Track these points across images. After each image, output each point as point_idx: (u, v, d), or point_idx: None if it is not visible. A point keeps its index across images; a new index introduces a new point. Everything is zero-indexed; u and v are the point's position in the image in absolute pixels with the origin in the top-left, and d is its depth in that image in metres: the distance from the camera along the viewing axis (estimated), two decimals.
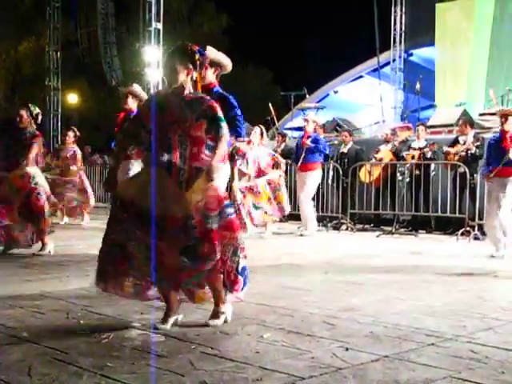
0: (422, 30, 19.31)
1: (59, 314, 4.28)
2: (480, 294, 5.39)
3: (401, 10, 19.89)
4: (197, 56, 4.12)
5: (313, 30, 29.22)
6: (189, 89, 4.08)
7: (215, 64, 5.11)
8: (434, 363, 3.23)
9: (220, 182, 4.17)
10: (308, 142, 10.38)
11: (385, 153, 11.65)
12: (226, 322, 4.06)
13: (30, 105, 7.86)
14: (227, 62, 5.17)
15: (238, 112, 5.08)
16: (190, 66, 4.07)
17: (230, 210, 3.97)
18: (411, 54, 21.27)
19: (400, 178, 11.34)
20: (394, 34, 20.19)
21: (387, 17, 20.10)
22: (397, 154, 11.61)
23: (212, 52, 5.07)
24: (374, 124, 16.66)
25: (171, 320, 3.99)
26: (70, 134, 12.16)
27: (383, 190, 11.40)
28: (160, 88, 17.12)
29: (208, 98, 4.11)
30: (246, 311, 4.47)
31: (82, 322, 4.05)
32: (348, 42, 25.65)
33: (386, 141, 11.99)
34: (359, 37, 22.90)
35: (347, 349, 3.48)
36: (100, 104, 29.83)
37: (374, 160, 11.74)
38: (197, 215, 3.82)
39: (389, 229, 10.99)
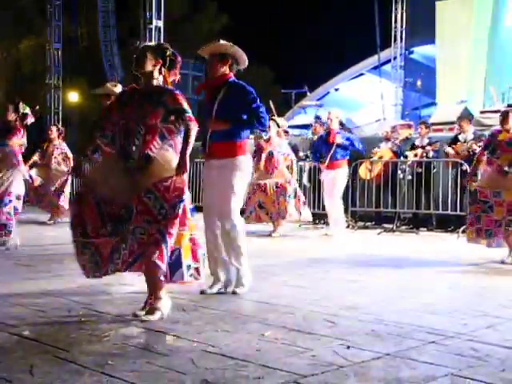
0: (423, 27, 19.29)
1: (60, 312, 4.28)
2: (481, 292, 5.39)
3: (401, 8, 19.86)
4: (168, 52, 4.33)
5: (313, 27, 29.20)
6: (156, 81, 4.30)
7: (229, 56, 5.02)
8: (435, 361, 3.23)
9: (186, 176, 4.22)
10: (340, 138, 9.79)
11: (384, 151, 11.64)
12: (162, 317, 4.09)
13: (20, 103, 7.95)
14: (241, 54, 5.06)
15: (259, 101, 4.96)
16: (160, 58, 4.29)
17: (181, 205, 4.08)
18: (412, 52, 21.24)
19: (401, 175, 11.32)
20: (395, 32, 20.16)
21: (388, 14, 20.08)
22: (397, 152, 11.60)
23: (225, 45, 5.02)
24: (375, 122, 16.65)
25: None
26: (53, 128, 12.04)
27: (384, 188, 11.39)
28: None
29: (172, 89, 4.30)
30: (247, 309, 4.47)
31: (83, 320, 4.05)
32: (349, 40, 25.63)
33: (386, 138, 11.97)
34: (360, 34, 22.88)
35: (348, 347, 3.48)
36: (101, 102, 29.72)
37: (374, 158, 11.72)
38: (148, 195, 4.02)
39: (390, 226, 10.98)
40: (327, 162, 9.85)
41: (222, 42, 5.06)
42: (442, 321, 4.17)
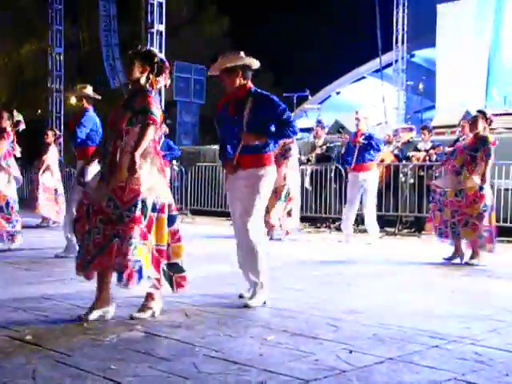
0: (424, 30, 19.29)
1: (62, 316, 4.28)
2: (484, 296, 5.39)
3: (403, 11, 19.87)
4: (156, 59, 4.41)
5: (315, 31, 29.23)
6: (142, 86, 4.37)
7: (238, 67, 4.94)
8: (438, 365, 3.23)
9: (144, 174, 4.21)
10: (360, 139, 9.46)
11: (386, 154, 11.63)
12: (153, 315, 4.25)
13: (14, 111, 8.40)
14: (249, 59, 5.01)
15: (287, 110, 4.91)
16: (147, 65, 4.38)
17: (139, 206, 4.13)
18: (413, 55, 21.25)
19: (403, 179, 11.31)
20: (396, 35, 20.17)
21: (389, 18, 20.09)
22: (399, 156, 11.59)
23: (230, 58, 4.97)
24: (377, 125, 16.61)
25: (95, 312, 4.20)
26: (49, 133, 12.10)
27: (386, 191, 11.38)
28: (162, 90, 17.15)
29: (145, 90, 4.36)
30: (249, 313, 4.46)
31: (85, 324, 4.04)
32: (350, 43, 25.63)
33: (388, 142, 11.97)
34: (361, 38, 22.87)
35: (351, 351, 3.47)
36: (102, 106, 29.79)
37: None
38: (109, 202, 4.12)
39: (392, 230, 10.97)
40: (353, 164, 9.50)
41: (226, 56, 5.01)
42: (445, 325, 4.16)
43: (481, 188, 7.31)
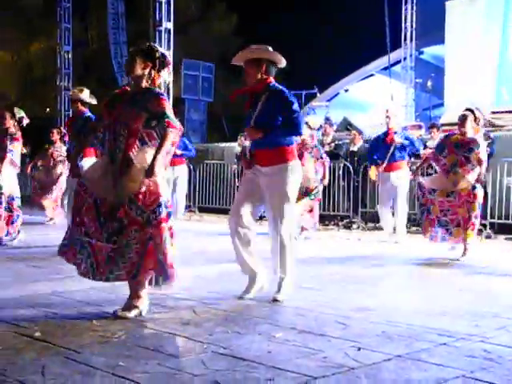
0: (433, 27, 19.21)
1: (71, 313, 4.29)
2: (492, 293, 5.37)
3: (411, 8, 19.79)
4: (157, 54, 4.41)
5: (323, 28, 29.17)
6: (145, 83, 4.36)
7: (264, 60, 4.87)
8: (446, 363, 3.22)
9: (161, 178, 4.23)
10: (398, 138, 9.16)
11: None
12: (140, 315, 4.22)
13: (15, 108, 8.49)
14: (276, 55, 4.92)
15: (297, 108, 4.85)
16: (149, 61, 4.37)
17: (163, 210, 4.16)
18: (422, 52, 21.17)
19: (411, 176, 11.26)
20: (405, 32, 20.09)
21: (397, 15, 20.02)
22: None
23: (258, 50, 4.91)
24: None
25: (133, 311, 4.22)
26: (55, 131, 12.15)
27: None
28: (170, 88, 17.16)
29: (158, 92, 4.34)
30: (258, 310, 4.47)
31: (94, 321, 4.06)
32: (359, 41, 25.56)
33: None
34: (370, 35, 22.77)
35: (359, 348, 3.47)
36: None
37: None
38: (130, 206, 4.13)
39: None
40: (385, 163, 9.31)
41: (254, 46, 4.95)
42: (453, 322, 4.16)
43: (473, 187, 7.37)
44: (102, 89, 30.03)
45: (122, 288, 4.44)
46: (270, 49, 4.92)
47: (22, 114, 8.41)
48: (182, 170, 11.49)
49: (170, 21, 16.90)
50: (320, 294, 5.18)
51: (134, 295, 4.28)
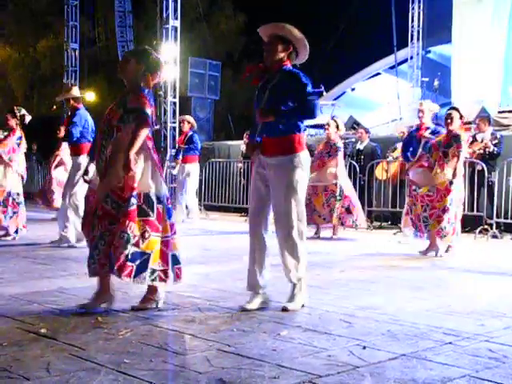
0: (440, 27, 19.17)
1: (77, 310, 4.30)
2: (498, 293, 5.36)
3: (418, 7, 19.75)
4: (151, 57, 4.45)
5: (330, 27, 29.15)
6: (137, 84, 4.40)
7: (291, 43, 4.53)
8: (451, 362, 3.22)
9: (139, 171, 4.25)
10: (427, 133, 8.31)
11: (399, 151, 11.58)
12: (156, 307, 4.34)
13: (15, 107, 8.71)
14: (304, 44, 4.56)
15: (311, 90, 4.42)
16: (143, 63, 4.40)
17: (134, 201, 4.20)
18: (429, 51, 21.12)
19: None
20: (412, 31, 20.05)
21: (405, 14, 19.98)
22: None
23: (290, 28, 4.50)
24: (391, 122, 16.56)
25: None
26: (62, 128, 12.19)
27: (400, 188, 11.34)
28: (177, 86, 17.18)
29: (140, 89, 4.36)
30: (263, 308, 4.46)
31: (99, 318, 4.07)
32: (365, 40, 25.52)
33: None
34: (376, 34, 22.74)
35: (364, 347, 3.47)
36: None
37: (390, 158, 11.70)
38: (106, 199, 4.23)
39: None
40: (416, 158, 8.62)
41: (284, 25, 4.51)
42: (459, 321, 4.15)
43: (451, 183, 7.49)
44: (109, 86, 30.14)
45: (127, 285, 4.44)
46: (302, 35, 4.55)
47: (23, 111, 8.54)
48: (193, 168, 11.50)
49: (177, 19, 16.93)
50: (324, 292, 5.18)
51: (151, 288, 4.37)
